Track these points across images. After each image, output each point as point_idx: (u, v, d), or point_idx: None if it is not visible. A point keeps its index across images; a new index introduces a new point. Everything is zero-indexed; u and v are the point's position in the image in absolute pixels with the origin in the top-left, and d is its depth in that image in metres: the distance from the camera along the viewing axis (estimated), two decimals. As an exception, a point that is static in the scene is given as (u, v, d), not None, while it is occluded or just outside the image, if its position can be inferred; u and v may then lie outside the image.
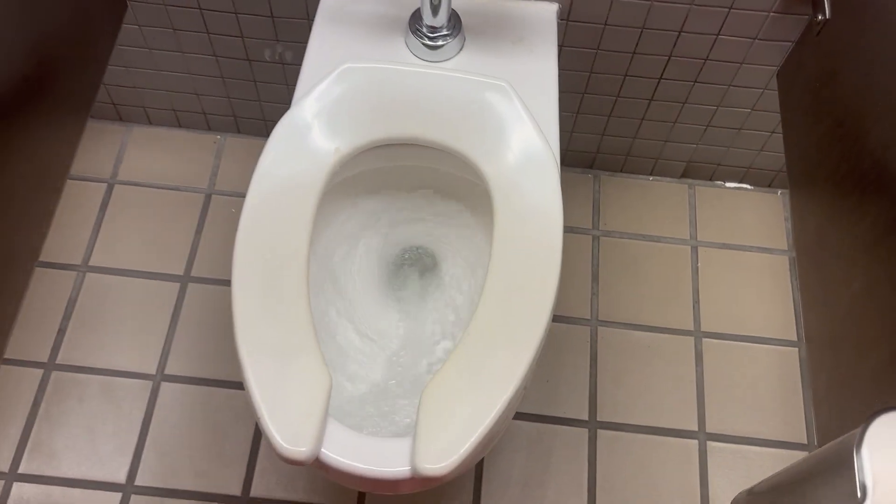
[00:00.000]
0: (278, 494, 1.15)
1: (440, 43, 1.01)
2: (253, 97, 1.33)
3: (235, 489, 1.15)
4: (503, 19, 1.07)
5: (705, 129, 1.29)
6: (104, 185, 1.37)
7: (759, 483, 0.79)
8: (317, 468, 0.82)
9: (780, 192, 1.41)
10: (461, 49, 1.03)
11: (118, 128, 1.42)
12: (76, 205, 1.35)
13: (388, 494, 1.16)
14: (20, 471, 1.15)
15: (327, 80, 0.96)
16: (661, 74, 1.18)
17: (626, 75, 1.19)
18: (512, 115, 0.95)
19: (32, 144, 0.98)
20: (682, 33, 1.10)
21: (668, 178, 1.42)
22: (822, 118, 1.01)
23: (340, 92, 0.95)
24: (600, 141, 1.34)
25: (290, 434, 0.78)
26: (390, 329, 1.06)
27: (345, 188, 1.02)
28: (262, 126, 1.40)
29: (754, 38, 1.10)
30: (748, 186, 1.42)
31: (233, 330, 0.83)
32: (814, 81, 1.05)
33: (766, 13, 1.06)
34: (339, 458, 0.79)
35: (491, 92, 0.96)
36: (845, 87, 0.96)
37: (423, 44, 1.01)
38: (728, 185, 1.42)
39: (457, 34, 1.01)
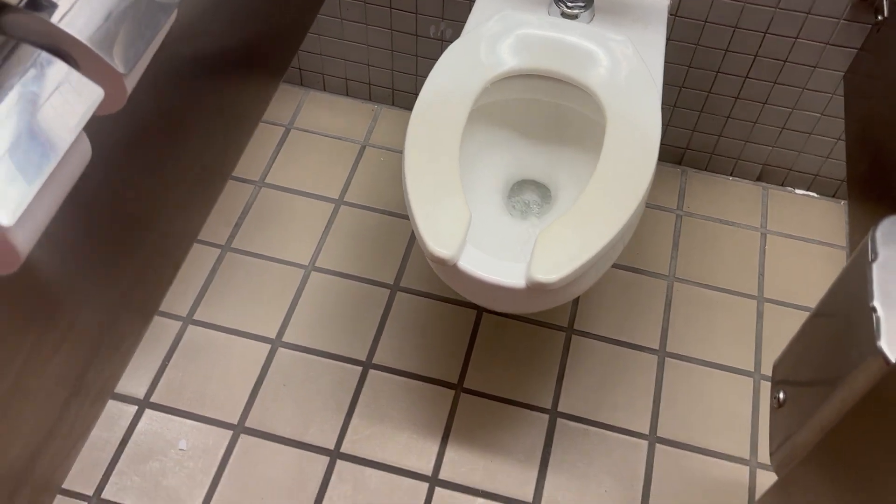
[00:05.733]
0: (395, 365, 1.39)
1: (576, 11, 1.31)
2: (412, 71, 1.66)
3: (361, 355, 1.40)
4: (626, 4, 1.37)
5: (780, 132, 1.54)
6: (282, 129, 1.70)
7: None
8: (451, 278, 1.08)
9: (842, 202, 1.63)
10: (591, 20, 1.33)
11: (298, 90, 1.77)
12: (260, 139, 1.68)
13: (505, 313, 1.36)
14: (195, 317, 1.43)
15: (489, 22, 1.27)
16: (748, 73, 1.46)
17: (718, 72, 1.47)
18: (627, 59, 1.23)
19: (240, 93, 1.26)
20: (767, 34, 1.38)
21: (746, 181, 1.66)
22: (876, 115, 1.25)
23: (497, 30, 1.26)
24: (690, 136, 1.61)
25: (439, 242, 1.04)
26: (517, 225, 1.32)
27: (487, 117, 1.31)
28: (412, 100, 1.72)
29: (826, 43, 1.37)
30: (814, 195, 1.65)
31: (403, 177, 1.11)
32: (873, 81, 1.30)
33: (837, 20, 1.33)
34: (472, 268, 1.05)
35: (613, 42, 1.25)
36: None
37: (562, 12, 1.32)
38: (797, 191, 1.65)
39: (589, 7, 1.32)
